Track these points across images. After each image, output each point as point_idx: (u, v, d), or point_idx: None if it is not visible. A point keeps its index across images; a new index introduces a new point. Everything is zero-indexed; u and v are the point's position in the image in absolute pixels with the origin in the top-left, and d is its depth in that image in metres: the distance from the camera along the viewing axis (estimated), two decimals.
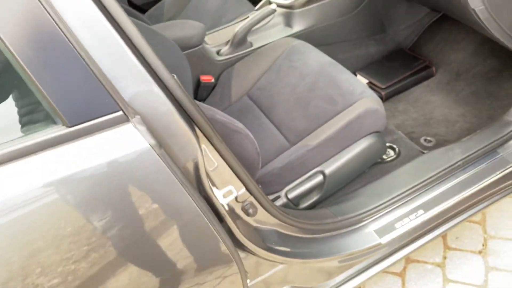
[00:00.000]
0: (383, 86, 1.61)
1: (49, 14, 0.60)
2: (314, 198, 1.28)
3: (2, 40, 0.59)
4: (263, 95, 1.44)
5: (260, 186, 1.20)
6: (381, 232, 1.18)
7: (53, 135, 0.62)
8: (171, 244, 0.77)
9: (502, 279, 1.39)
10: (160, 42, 1.31)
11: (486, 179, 1.27)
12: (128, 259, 0.74)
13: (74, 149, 0.64)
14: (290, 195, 1.24)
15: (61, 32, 0.61)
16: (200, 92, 1.53)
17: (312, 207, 1.29)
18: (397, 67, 1.67)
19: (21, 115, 0.68)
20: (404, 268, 1.47)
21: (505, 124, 1.34)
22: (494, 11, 1.11)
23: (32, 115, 0.67)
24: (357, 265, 1.20)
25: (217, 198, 0.84)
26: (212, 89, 1.55)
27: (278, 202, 1.24)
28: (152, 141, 0.66)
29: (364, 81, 1.67)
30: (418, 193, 1.23)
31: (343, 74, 1.35)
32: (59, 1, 0.61)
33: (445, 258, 1.47)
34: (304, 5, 1.60)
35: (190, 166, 0.76)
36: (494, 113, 1.48)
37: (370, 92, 1.28)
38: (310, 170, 1.25)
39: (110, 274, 0.73)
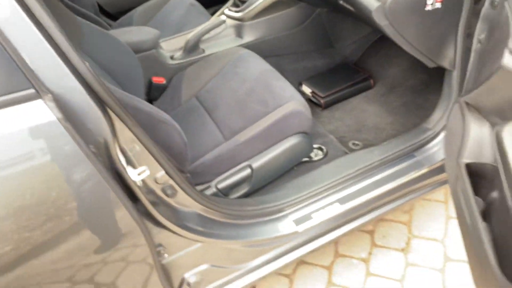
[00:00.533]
0: (323, 95, 1.75)
1: None
2: (243, 190, 1.40)
3: None
4: (209, 97, 1.57)
5: (188, 175, 1.33)
6: (298, 221, 1.30)
7: None
8: (78, 214, 0.88)
9: (418, 274, 1.50)
10: (112, 44, 1.46)
11: (400, 179, 1.39)
12: (34, 229, 0.83)
13: None
14: (220, 186, 1.36)
15: None
16: (152, 92, 1.67)
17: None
18: (338, 78, 1.82)
19: None
20: (332, 262, 1.59)
21: (423, 131, 1.48)
22: (398, 26, 1.24)
23: None
24: (276, 249, 1.31)
25: (128, 175, 0.96)
26: (163, 90, 1.68)
27: (209, 191, 1.36)
28: (59, 115, 0.79)
29: (308, 90, 1.81)
30: (336, 188, 1.36)
31: (278, 81, 1.49)
32: None
33: (370, 254, 1.59)
34: (253, 18, 1.75)
35: (101, 142, 0.89)
36: (419, 122, 1.61)
37: (298, 96, 1.41)
38: (239, 163, 1.38)
39: (15, 249, 0.82)
